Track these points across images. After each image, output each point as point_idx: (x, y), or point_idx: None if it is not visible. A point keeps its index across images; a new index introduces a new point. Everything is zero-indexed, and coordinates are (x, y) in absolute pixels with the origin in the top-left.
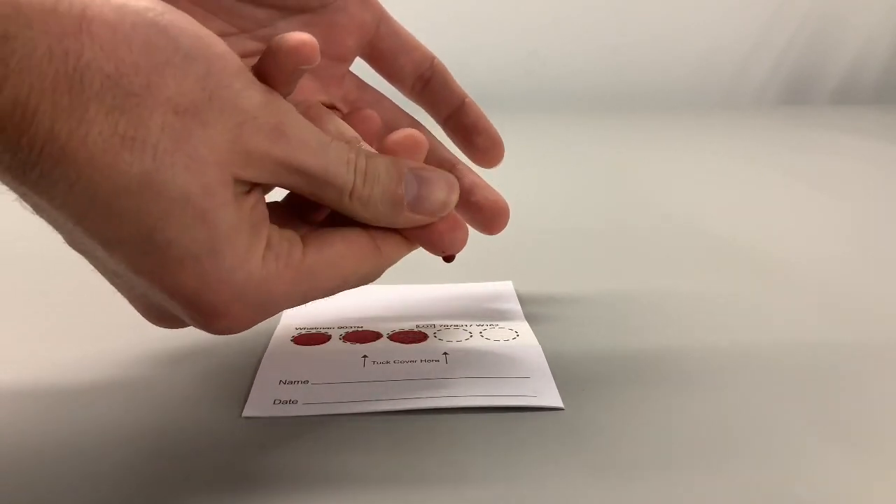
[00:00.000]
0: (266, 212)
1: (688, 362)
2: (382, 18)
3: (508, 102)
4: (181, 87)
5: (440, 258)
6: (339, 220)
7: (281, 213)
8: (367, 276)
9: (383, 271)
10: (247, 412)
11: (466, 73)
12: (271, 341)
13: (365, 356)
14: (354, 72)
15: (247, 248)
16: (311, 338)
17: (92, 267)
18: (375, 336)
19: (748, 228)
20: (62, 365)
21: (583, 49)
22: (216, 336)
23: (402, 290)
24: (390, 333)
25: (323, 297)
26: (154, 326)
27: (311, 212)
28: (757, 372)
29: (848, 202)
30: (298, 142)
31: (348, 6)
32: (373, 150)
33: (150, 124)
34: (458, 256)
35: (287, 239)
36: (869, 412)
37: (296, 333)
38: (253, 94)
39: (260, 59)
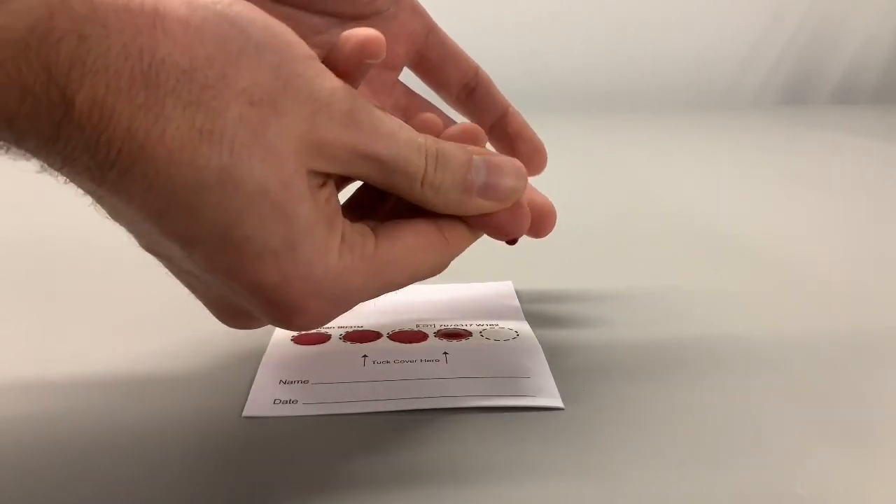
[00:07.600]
0: (339, 205)
1: (688, 362)
2: (431, 28)
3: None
4: (255, 77)
5: (503, 242)
6: (402, 214)
7: (346, 210)
8: (436, 268)
9: (449, 263)
10: (247, 412)
11: None
12: (271, 341)
13: (365, 356)
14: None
15: (324, 241)
16: (311, 337)
17: (89, 268)
18: (375, 336)
19: (748, 227)
20: (61, 365)
21: (583, 49)
22: (217, 335)
23: (403, 289)
24: (390, 333)
25: (395, 290)
26: (152, 326)
27: (374, 208)
28: (758, 371)
29: (847, 201)
30: (370, 128)
31: (400, 15)
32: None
33: (227, 116)
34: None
35: (359, 232)
36: (869, 408)
37: (296, 332)
38: (325, 80)
39: (325, 57)
